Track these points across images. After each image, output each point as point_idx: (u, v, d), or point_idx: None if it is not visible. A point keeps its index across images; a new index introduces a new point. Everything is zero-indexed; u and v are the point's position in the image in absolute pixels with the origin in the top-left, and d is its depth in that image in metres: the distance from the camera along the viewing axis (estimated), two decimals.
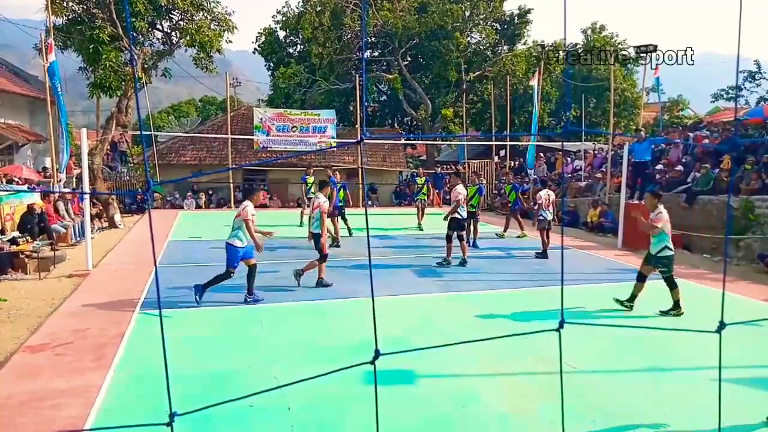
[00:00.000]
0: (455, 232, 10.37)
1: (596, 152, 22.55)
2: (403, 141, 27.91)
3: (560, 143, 25.00)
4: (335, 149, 23.77)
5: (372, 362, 1.39)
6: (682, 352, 5.98)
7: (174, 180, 12.08)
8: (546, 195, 11.53)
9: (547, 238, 11.41)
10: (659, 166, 16.26)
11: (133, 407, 4.56)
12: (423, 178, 17.05)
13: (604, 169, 18.51)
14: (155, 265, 1.44)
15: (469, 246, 11.69)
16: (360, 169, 19.58)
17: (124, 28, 16.31)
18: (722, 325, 1.34)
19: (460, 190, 10.46)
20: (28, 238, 11.00)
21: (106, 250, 11.66)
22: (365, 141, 1.40)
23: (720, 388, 1.62)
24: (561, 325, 1.42)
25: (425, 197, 16.58)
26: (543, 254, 11.35)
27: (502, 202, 18.68)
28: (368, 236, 1.66)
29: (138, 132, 26.98)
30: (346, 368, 1.60)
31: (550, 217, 11.51)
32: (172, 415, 1.28)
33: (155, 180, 21.51)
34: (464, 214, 10.46)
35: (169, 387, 1.39)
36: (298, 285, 8.54)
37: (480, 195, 13.12)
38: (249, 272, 7.71)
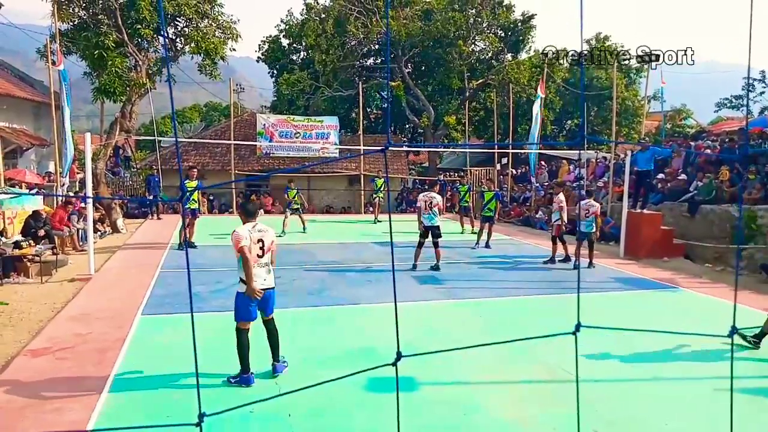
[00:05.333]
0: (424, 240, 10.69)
1: (598, 161, 22.55)
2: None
3: (565, 151, 24.98)
4: (337, 156, 23.82)
5: (394, 364, 1.41)
6: (684, 361, 5.95)
7: (192, 189, 12.09)
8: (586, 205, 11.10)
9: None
10: (661, 175, 16.27)
11: (135, 411, 4.56)
12: (465, 186, 17.57)
13: (606, 178, 18.51)
14: (188, 267, 1.45)
15: (481, 247, 13.38)
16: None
17: (129, 35, 16.38)
18: (734, 330, 1.34)
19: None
20: (30, 241, 11.02)
21: (109, 255, 11.68)
22: (390, 149, 1.41)
23: (732, 393, 1.62)
24: (577, 329, 1.42)
25: (468, 204, 17.07)
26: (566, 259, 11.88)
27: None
28: (392, 243, 1.67)
29: (140, 137, 27.09)
30: (369, 369, 1.62)
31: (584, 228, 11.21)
32: (201, 416, 1.31)
33: (162, 186, 21.55)
34: (426, 222, 10.52)
35: (199, 389, 1.41)
36: None
37: (497, 200, 13.92)
38: None
